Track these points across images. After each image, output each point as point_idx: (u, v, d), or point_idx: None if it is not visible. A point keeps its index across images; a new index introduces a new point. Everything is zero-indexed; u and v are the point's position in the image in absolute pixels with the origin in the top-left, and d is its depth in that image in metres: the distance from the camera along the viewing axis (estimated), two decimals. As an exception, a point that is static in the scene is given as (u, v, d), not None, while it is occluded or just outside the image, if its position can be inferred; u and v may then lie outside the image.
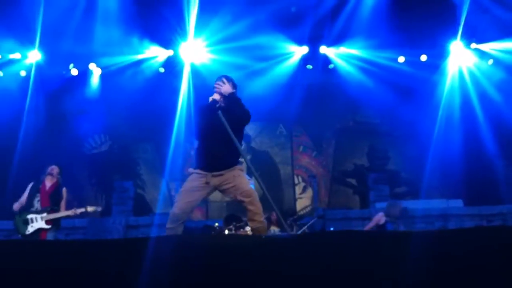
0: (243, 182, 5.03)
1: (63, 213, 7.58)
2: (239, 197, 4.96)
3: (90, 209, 7.82)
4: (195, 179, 5.00)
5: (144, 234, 10.05)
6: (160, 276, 2.88)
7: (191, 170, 5.15)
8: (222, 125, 4.89)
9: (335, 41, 11.66)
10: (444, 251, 3.10)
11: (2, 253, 3.16)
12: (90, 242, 3.66)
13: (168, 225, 4.96)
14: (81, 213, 7.72)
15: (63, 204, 7.66)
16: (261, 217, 4.97)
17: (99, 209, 8.06)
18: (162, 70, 12.03)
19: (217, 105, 5.01)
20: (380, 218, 8.52)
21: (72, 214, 7.63)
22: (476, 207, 10.56)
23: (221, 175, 4.97)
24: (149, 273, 2.83)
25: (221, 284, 3.00)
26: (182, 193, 5.01)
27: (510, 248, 3.02)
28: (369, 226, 8.59)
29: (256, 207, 4.93)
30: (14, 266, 3.07)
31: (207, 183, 4.96)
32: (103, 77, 12.10)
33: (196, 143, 5.14)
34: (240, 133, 5.11)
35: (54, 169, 7.75)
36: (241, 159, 5.26)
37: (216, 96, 5.05)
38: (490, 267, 2.96)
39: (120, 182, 11.94)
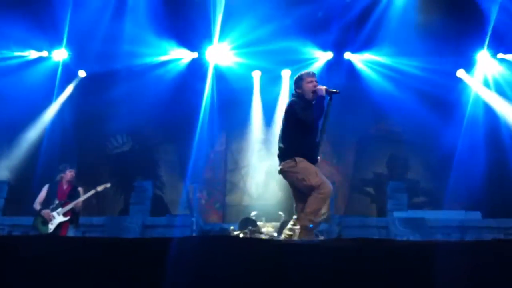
0: None
1: (76, 201, 7.74)
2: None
3: (100, 188, 8.02)
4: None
5: (160, 235, 10.07)
6: (180, 275, 2.91)
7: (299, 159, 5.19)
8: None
9: (360, 48, 11.64)
10: (462, 262, 3.07)
11: (20, 249, 3.18)
12: (112, 240, 3.70)
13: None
14: (92, 194, 7.93)
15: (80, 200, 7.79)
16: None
17: (108, 185, 8.20)
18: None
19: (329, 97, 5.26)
20: None
21: (84, 198, 7.82)
22: (495, 219, 10.39)
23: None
24: (170, 272, 2.86)
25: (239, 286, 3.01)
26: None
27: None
28: None
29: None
30: (31, 262, 3.10)
31: None
32: (127, 77, 12.18)
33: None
34: None
35: (70, 174, 7.88)
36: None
37: None
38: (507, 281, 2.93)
39: (140, 182, 11.99)
